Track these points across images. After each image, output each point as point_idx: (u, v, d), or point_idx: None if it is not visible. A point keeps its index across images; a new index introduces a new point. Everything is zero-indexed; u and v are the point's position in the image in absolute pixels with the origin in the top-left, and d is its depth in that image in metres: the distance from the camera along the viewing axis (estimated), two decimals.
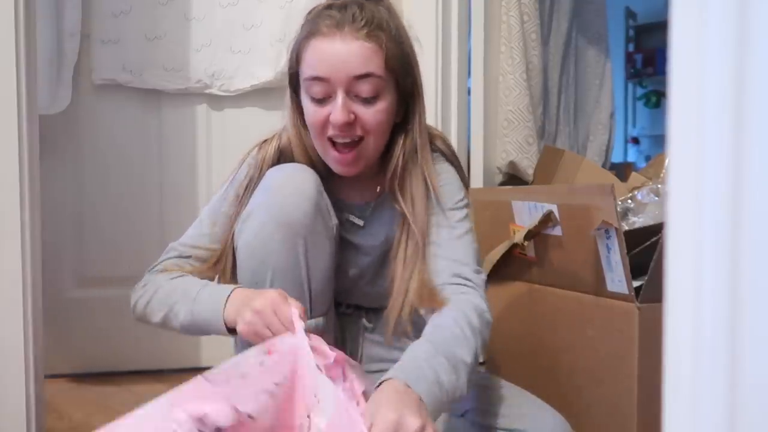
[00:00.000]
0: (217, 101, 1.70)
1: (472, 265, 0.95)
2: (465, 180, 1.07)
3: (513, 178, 1.79)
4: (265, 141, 1.05)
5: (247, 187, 1.00)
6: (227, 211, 1.00)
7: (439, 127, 1.66)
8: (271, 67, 1.67)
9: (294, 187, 0.93)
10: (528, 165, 1.74)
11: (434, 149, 1.05)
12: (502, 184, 1.79)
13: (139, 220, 1.67)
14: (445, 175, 1.02)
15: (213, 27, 1.66)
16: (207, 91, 1.68)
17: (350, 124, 0.93)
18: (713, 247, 0.31)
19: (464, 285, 0.92)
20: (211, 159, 1.70)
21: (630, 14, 4.47)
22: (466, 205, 1.02)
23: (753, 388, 0.30)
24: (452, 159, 1.06)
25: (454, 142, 1.67)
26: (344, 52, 0.91)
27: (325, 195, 0.97)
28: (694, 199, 0.32)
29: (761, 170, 0.30)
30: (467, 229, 0.99)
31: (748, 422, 0.31)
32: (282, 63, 1.65)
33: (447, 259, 0.94)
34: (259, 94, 1.69)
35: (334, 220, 0.98)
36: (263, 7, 1.67)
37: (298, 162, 1.00)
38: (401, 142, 0.99)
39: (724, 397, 0.31)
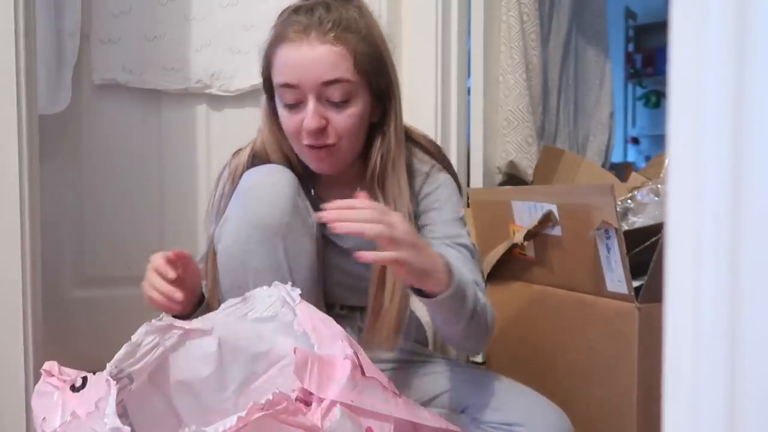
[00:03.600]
0: (217, 101, 1.70)
1: (467, 243, 1.00)
2: (460, 187, 1.09)
3: (513, 178, 1.79)
4: (240, 149, 1.05)
5: (223, 195, 1.00)
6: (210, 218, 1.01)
7: (439, 127, 1.66)
8: None
9: (269, 187, 0.93)
10: (528, 165, 1.74)
11: (422, 149, 1.06)
12: (502, 184, 1.78)
13: (139, 220, 1.67)
14: (444, 188, 1.04)
15: (213, 27, 1.66)
16: (207, 91, 1.68)
17: (322, 130, 0.93)
18: (713, 247, 0.31)
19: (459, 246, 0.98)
20: (211, 159, 1.70)
21: (630, 14, 4.46)
22: (464, 220, 1.05)
23: (753, 388, 0.30)
24: (440, 159, 1.06)
25: (453, 142, 1.68)
26: (311, 58, 0.90)
27: (302, 193, 0.97)
28: (694, 199, 0.32)
29: (761, 170, 0.30)
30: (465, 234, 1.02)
31: (748, 422, 0.31)
32: None
33: (441, 234, 1.00)
34: (258, 94, 1.67)
35: (313, 218, 0.98)
36: (263, 7, 1.67)
37: (274, 163, 1.00)
38: (378, 143, 0.98)
39: (724, 397, 0.31)
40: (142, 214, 1.68)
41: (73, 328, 1.63)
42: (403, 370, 1.07)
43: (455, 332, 0.93)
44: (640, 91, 4.62)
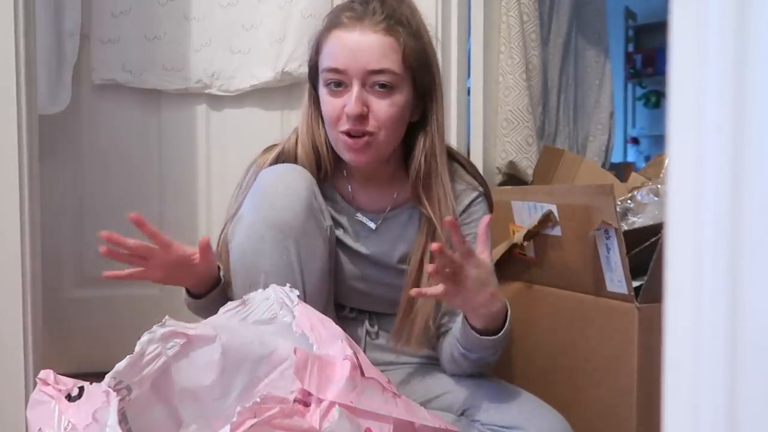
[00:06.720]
0: (217, 101, 1.70)
1: None
2: (492, 208, 1.09)
3: (512, 178, 1.78)
4: (271, 146, 1.05)
5: (245, 185, 1.00)
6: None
7: None
8: (270, 67, 1.66)
9: (285, 187, 0.93)
10: (527, 165, 1.73)
11: (464, 169, 1.06)
12: (502, 184, 1.78)
13: None
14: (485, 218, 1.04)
15: (213, 27, 1.66)
16: (207, 91, 1.67)
17: (363, 117, 0.93)
18: (713, 247, 0.31)
19: None
20: (210, 159, 1.70)
21: (630, 14, 4.47)
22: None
23: (753, 388, 0.30)
24: (481, 182, 1.07)
25: (453, 142, 1.68)
26: (361, 45, 0.92)
27: (319, 196, 0.97)
28: (694, 199, 0.32)
29: (761, 170, 0.30)
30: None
31: (748, 422, 0.31)
32: (281, 63, 1.65)
33: None
34: (258, 94, 1.69)
35: (328, 221, 0.98)
36: (263, 7, 1.67)
37: (302, 162, 1.00)
38: (421, 142, 0.99)
39: (724, 397, 0.31)
40: (142, 213, 1.67)
41: (73, 328, 1.63)
42: (405, 371, 1.08)
43: (471, 359, 0.98)
44: (640, 91, 4.63)
